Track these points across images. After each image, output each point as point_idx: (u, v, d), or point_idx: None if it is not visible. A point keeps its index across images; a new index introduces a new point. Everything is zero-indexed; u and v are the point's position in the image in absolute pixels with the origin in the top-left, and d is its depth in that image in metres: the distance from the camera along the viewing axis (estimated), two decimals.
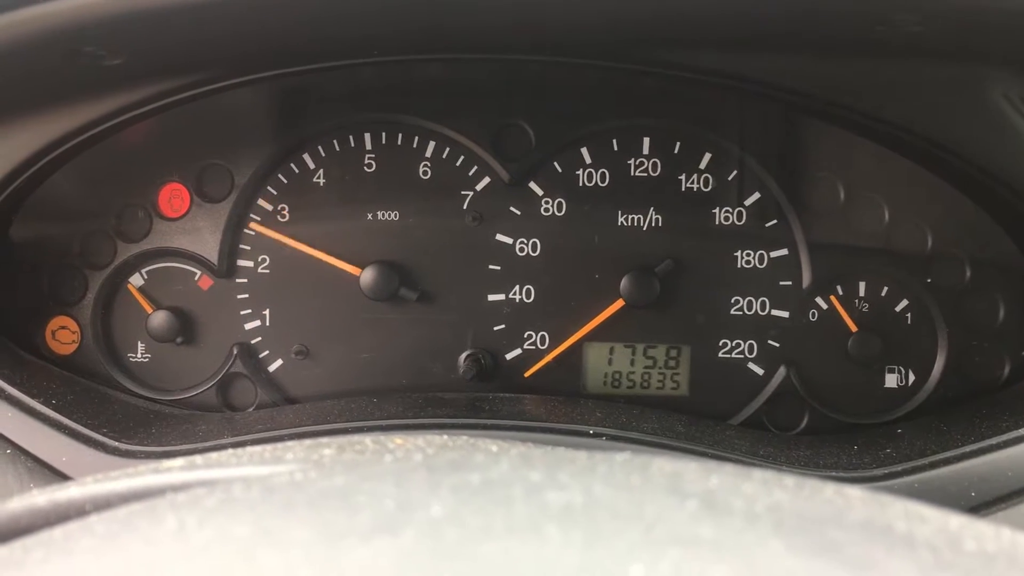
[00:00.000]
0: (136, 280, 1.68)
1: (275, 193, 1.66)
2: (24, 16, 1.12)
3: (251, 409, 1.68)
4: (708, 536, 0.46)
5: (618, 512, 0.49)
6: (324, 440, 0.81)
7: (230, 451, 0.77)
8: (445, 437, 0.84)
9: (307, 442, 0.81)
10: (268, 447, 0.78)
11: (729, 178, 1.64)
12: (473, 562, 0.45)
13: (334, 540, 0.48)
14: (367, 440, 0.80)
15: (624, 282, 1.63)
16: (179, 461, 0.74)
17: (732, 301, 1.65)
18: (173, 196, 1.67)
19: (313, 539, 0.48)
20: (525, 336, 1.67)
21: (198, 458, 0.74)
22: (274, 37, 1.36)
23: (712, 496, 0.52)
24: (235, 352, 1.67)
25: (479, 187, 1.66)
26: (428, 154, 1.66)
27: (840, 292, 1.64)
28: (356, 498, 0.52)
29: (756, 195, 1.64)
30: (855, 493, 0.57)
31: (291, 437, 1.41)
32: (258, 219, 1.67)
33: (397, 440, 0.81)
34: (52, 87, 1.38)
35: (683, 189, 1.65)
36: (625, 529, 0.47)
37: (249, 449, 0.77)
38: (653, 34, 1.34)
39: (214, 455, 0.75)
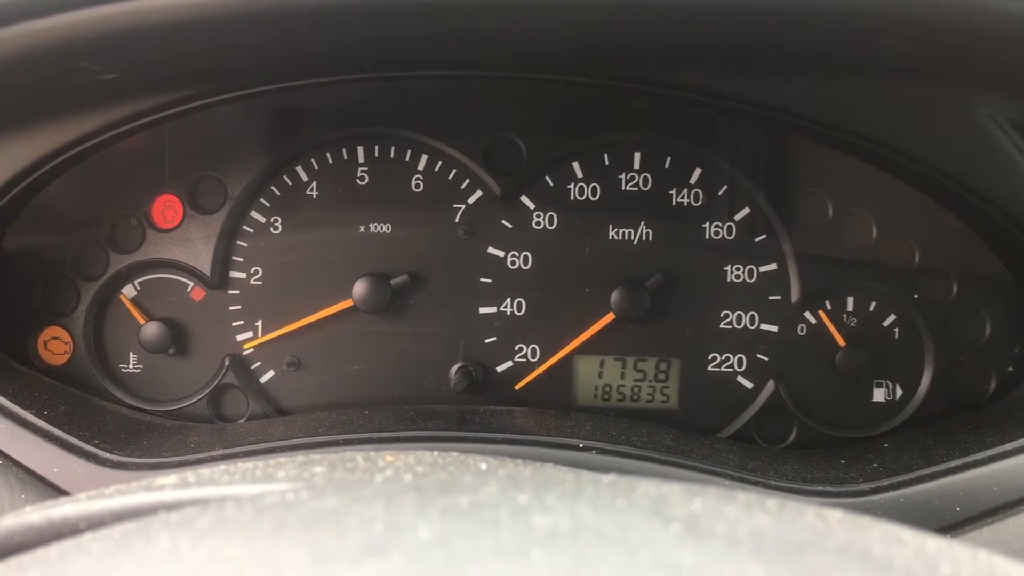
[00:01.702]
0: (129, 291, 1.69)
1: (268, 205, 1.67)
2: (20, 31, 1.12)
3: (242, 420, 1.69)
4: (689, 561, 0.47)
5: (603, 536, 0.50)
6: (316, 457, 0.82)
7: (222, 468, 0.78)
8: (436, 454, 0.85)
9: (299, 459, 0.82)
10: (260, 464, 0.79)
11: (719, 193, 1.66)
12: None
13: (324, 562, 0.49)
14: (358, 457, 0.81)
15: (615, 296, 1.64)
16: (172, 478, 0.75)
17: (722, 315, 1.67)
18: (166, 207, 1.68)
19: (304, 561, 0.49)
20: (516, 349, 1.68)
21: (190, 475, 0.75)
22: (268, 54, 1.37)
23: (695, 520, 0.53)
24: (227, 363, 1.67)
25: (471, 200, 1.67)
26: (420, 167, 1.67)
27: (828, 306, 1.65)
28: (346, 520, 0.53)
29: (746, 210, 1.66)
30: (835, 516, 0.58)
31: (282, 449, 1.41)
32: (251, 231, 1.68)
33: (388, 457, 0.82)
34: (47, 100, 1.38)
35: (673, 204, 1.66)
36: (609, 554, 0.48)
37: (241, 466, 0.78)
38: (644, 54, 1.35)
39: (206, 472, 0.76)
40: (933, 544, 0.55)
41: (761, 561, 0.48)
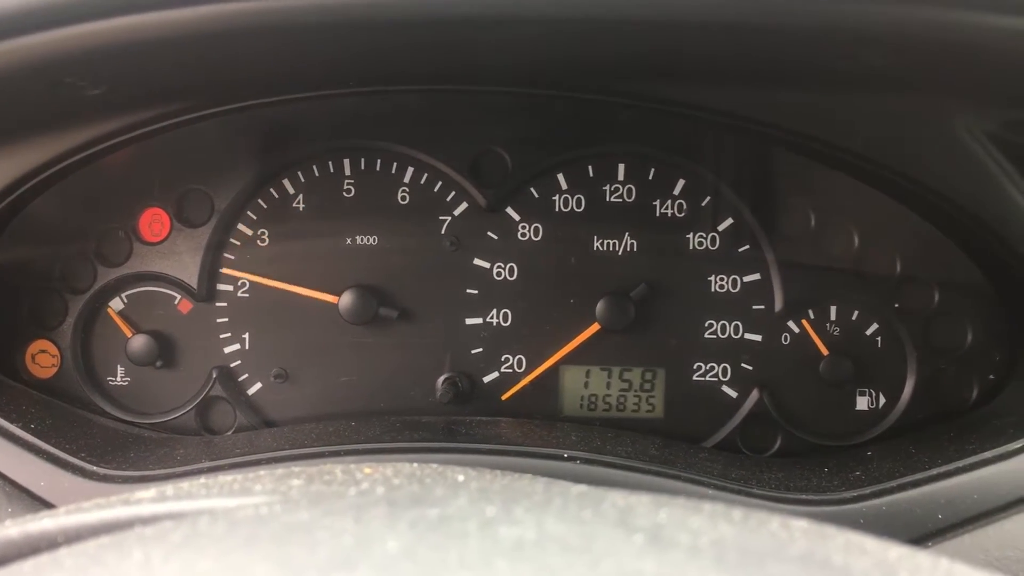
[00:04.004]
0: (116, 304, 1.69)
1: (255, 218, 1.68)
2: (5, 48, 1.13)
3: (230, 433, 1.69)
4: (651, 571, 0.48)
5: (567, 546, 0.51)
6: (295, 470, 0.83)
7: (201, 481, 0.79)
8: (415, 466, 0.85)
9: (278, 472, 0.82)
10: (239, 477, 0.80)
11: (703, 204, 1.67)
12: None
13: (293, 575, 0.49)
14: (337, 470, 0.82)
15: (600, 306, 1.65)
16: (150, 492, 0.76)
17: (706, 325, 1.68)
18: (153, 221, 1.68)
19: (274, 574, 0.50)
20: (502, 359, 1.69)
21: (169, 488, 0.76)
22: (254, 69, 1.38)
23: (659, 530, 0.54)
24: (214, 376, 1.68)
25: (457, 212, 1.68)
26: (406, 180, 1.68)
27: (812, 316, 1.67)
28: (317, 533, 0.54)
29: (729, 220, 1.67)
30: (800, 525, 0.59)
31: (269, 461, 1.42)
32: (238, 244, 1.68)
33: (367, 470, 0.83)
34: (34, 115, 1.39)
35: (657, 215, 1.68)
36: (572, 564, 0.49)
37: (220, 479, 0.79)
38: (627, 68, 1.36)
39: (185, 485, 0.77)
40: (895, 553, 0.56)
41: (722, 570, 0.49)
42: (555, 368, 1.69)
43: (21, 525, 0.70)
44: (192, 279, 1.68)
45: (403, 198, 1.68)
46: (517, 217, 1.68)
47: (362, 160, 1.68)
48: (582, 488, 0.63)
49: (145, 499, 0.72)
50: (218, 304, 1.69)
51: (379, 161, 1.68)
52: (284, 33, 1.20)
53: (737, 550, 0.52)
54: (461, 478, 0.80)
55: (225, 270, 1.69)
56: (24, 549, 0.68)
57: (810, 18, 1.10)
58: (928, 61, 1.23)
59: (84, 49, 1.15)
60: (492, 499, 0.59)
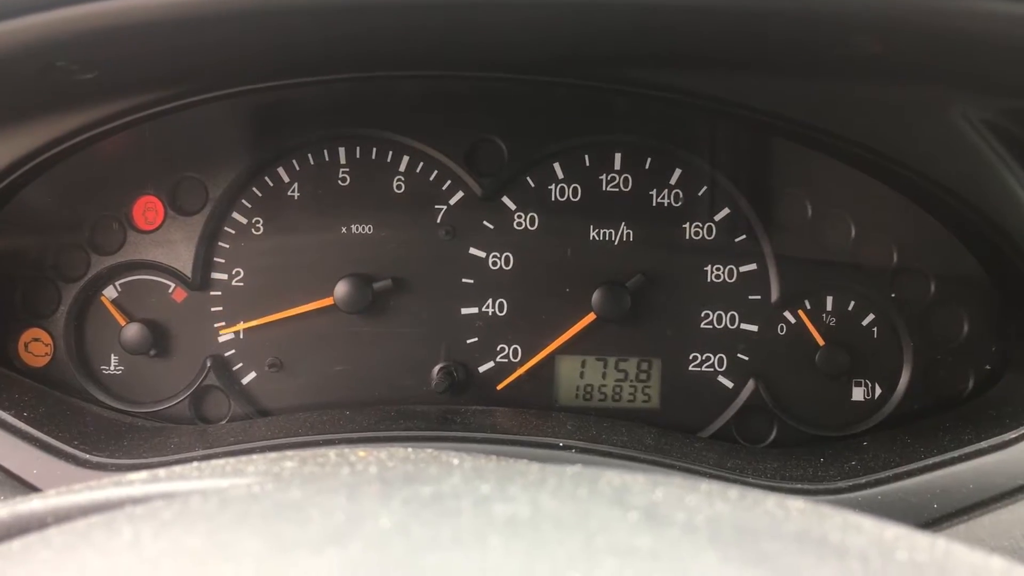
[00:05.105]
0: (110, 292, 1.68)
1: (249, 206, 1.67)
2: None
3: (224, 422, 1.69)
4: (645, 547, 0.47)
5: (561, 523, 0.51)
6: (289, 453, 0.82)
7: (193, 464, 0.78)
8: (409, 450, 0.85)
9: (271, 455, 0.82)
10: (232, 460, 0.79)
11: (699, 193, 1.67)
12: (417, 572, 0.46)
13: (283, 551, 0.49)
14: (330, 453, 0.81)
15: (595, 296, 1.65)
16: (142, 474, 0.75)
17: (702, 315, 1.67)
18: (147, 209, 1.67)
19: (263, 550, 0.49)
20: (498, 349, 1.69)
21: (160, 471, 0.75)
22: (248, 53, 1.37)
23: (655, 508, 0.53)
24: (208, 365, 1.67)
25: (452, 201, 1.67)
26: (402, 168, 1.67)
27: (808, 306, 1.66)
28: (308, 511, 0.53)
29: (726, 210, 1.66)
30: (796, 504, 0.58)
31: (262, 450, 1.41)
32: (232, 232, 1.68)
33: (360, 453, 0.82)
34: (25, 100, 1.38)
35: (654, 204, 1.67)
36: (566, 539, 0.48)
37: (212, 462, 0.78)
38: (623, 55, 1.36)
39: (177, 468, 0.76)
40: (891, 532, 0.56)
41: (716, 546, 0.49)
42: (551, 358, 1.68)
43: (9, 506, 0.70)
44: (186, 268, 1.67)
45: (398, 187, 1.68)
46: (513, 206, 1.67)
47: (357, 148, 1.67)
48: (576, 468, 0.62)
49: (137, 481, 0.71)
50: (212, 293, 1.68)
51: (374, 150, 1.67)
52: (277, 16, 1.19)
53: (732, 527, 0.51)
54: (456, 461, 0.79)
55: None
56: (13, 530, 0.68)
57: (804, 3, 1.10)
58: (925, 49, 1.22)
59: (75, 32, 1.14)
60: (486, 478, 0.58)
